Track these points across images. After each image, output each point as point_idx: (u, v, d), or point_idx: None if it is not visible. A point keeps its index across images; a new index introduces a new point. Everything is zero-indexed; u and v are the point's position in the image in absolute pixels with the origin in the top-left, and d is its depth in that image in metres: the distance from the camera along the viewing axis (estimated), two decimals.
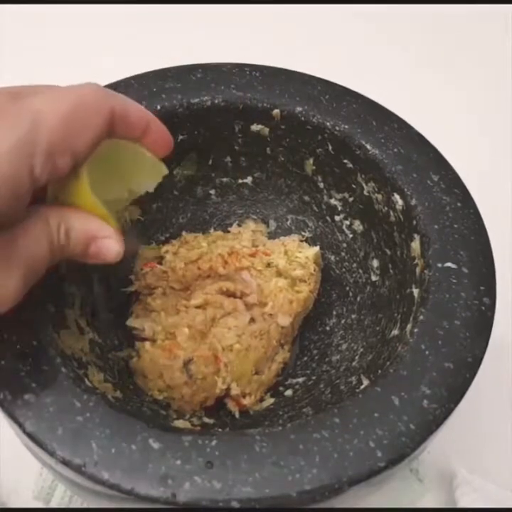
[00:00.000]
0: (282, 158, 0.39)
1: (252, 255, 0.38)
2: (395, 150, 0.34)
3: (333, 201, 0.39)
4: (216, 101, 0.36)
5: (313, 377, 0.36)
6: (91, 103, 0.24)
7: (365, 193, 0.37)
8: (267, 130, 0.38)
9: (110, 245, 0.25)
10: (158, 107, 0.35)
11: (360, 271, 0.39)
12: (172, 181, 0.39)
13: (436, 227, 0.31)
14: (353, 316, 0.38)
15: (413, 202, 0.32)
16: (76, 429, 0.24)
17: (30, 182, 0.22)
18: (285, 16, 0.66)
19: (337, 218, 0.40)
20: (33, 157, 0.22)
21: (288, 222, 0.42)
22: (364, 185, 0.36)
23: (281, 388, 0.36)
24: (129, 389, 0.34)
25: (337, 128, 0.36)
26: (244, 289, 0.36)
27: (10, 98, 0.22)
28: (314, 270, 0.38)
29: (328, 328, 0.39)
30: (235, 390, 0.34)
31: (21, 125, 0.21)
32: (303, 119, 0.36)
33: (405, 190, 0.33)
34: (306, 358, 0.38)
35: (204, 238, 0.39)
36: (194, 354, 0.34)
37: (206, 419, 0.34)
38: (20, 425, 0.24)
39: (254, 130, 0.38)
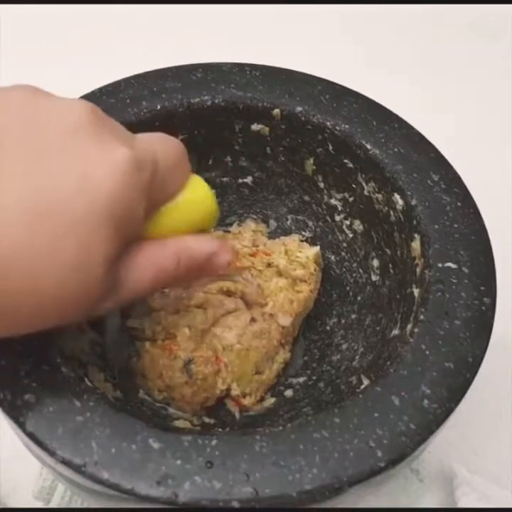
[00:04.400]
0: (282, 158, 0.39)
1: (253, 255, 0.38)
2: (395, 150, 0.34)
3: (333, 201, 0.39)
4: (216, 100, 0.36)
5: (314, 377, 0.36)
6: (184, 157, 0.26)
7: (365, 192, 0.37)
8: (267, 130, 0.38)
9: (223, 258, 0.27)
10: (158, 107, 0.35)
11: (361, 271, 0.39)
12: None
13: (436, 227, 0.31)
14: (353, 316, 0.38)
15: (413, 202, 0.32)
16: (76, 428, 0.24)
17: (137, 212, 0.23)
18: (285, 15, 0.66)
19: (337, 218, 0.40)
20: (145, 193, 0.23)
21: (288, 222, 0.42)
22: (364, 185, 0.36)
23: (281, 388, 0.36)
24: (129, 389, 0.34)
25: (337, 128, 0.36)
26: (244, 288, 0.36)
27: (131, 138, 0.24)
28: (315, 270, 0.38)
29: (328, 328, 0.39)
30: (235, 390, 0.34)
31: (147, 163, 0.23)
32: (303, 118, 0.36)
33: (405, 190, 0.33)
34: (306, 358, 0.38)
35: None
36: (194, 354, 0.34)
37: (206, 419, 0.34)
38: (20, 425, 0.24)
39: (255, 130, 0.38)
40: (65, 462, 0.23)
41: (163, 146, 0.25)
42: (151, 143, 0.24)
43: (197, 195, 0.27)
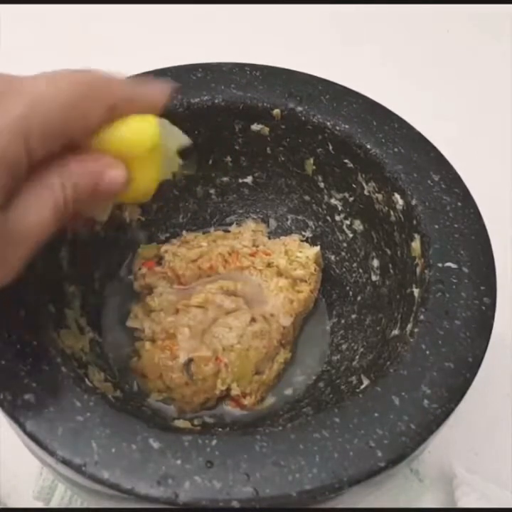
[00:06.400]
0: (282, 158, 0.39)
1: (253, 255, 0.38)
2: (395, 150, 0.34)
3: (333, 201, 0.39)
4: (216, 101, 0.36)
5: (314, 377, 0.36)
6: (92, 93, 0.24)
7: (365, 192, 0.37)
8: (267, 130, 0.38)
9: (115, 176, 0.25)
10: None
11: (361, 271, 0.39)
12: (172, 181, 0.39)
13: (436, 226, 0.31)
14: (353, 316, 0.38)
15: (413, 202, 0.32)
16: (76, 428, 0.24)
17: (25, 161, 0.22)
18: (285, 15, 0.66)
19: (337, 218, 0.40)
20: (27, 139, 0.22)
21: (288, 222, 0.42)
22: (364, 184, 0.36)
23: (281, 388, 0.36)
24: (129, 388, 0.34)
25: (337, 128, 0.35)
26: (244, 288, 0.36)
27: (9, 79, 0.22)
28: (315, 270, 0.38)
29: (328, 328, 0.39)
30: (235, 390, 0.34)
31: (18, 107, 0.22)
32: (303, 118, 0.36)
33: (406, 190, 0.33)
34: (306, 358, 0.38)
35: (204, 238, 0.39)
36: (194, 354, 0.34)
37: (206, 419, 0.34)
38: (21, 425, 0.24)
39: (255, 130, 0.38)
40: (65, 462, 0.23)
41: (52, 88, 0.23)
42: (43, 76, 0.23)
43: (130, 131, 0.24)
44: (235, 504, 0.23)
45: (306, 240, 0.41)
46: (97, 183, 0.24)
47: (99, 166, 0.25)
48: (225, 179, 0.41)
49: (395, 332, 0.32)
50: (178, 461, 0.23)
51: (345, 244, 0.40)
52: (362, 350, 0.35)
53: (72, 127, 0.23)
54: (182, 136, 0.27)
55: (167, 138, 0.25)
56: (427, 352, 0.27)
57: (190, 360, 0.34)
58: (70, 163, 0.24)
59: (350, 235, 0.39)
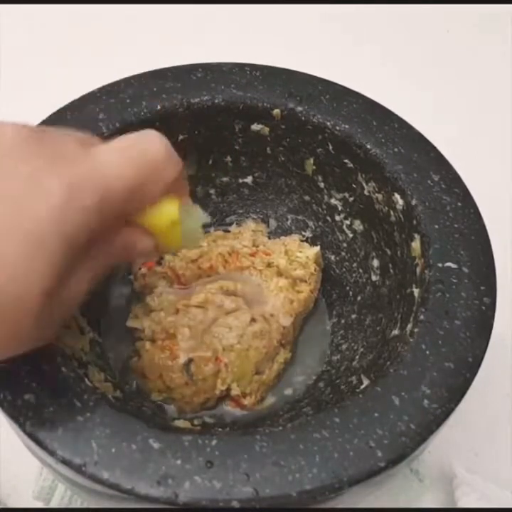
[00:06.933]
0: (282, 158, 0.39)
1: (253, 255, 0.38)
2: (395, 150, 0.34)
3: (333, 201, 0.39)
4: (216, 101, 0.36)
5: (314, 377, 0.36)
6: (155, 173, 0.24)
7: (365, 192, 0.37)
8: (267, 130, 0.38)
9: (145, 247, 0.27)
10: (158, 107, 0.35)
11: (361, 271, 0.39)
12: None
13: (436, 227, 0.31)
14: (353, 316, 0.38)
15: (413, 202, 0.32)
16: (76, 428, 0.24)
17: (85, 238, 0.23)
18: (285, 16, 0.66)
19: (337, 218, 0.40)
20: (91, 221, 0.22)
21: (288, 222, 0.42)
22: (364, 184, 0.36)
23: (281, 388, 0.36)
24: (129, 388, 0.34)
25: (337, 128, 0.36)
26: (244, 288, 0.36)
27: (80, 146, 0.23)
28: (315, 270, 0.38)
29: (328, 328, 0.39)
30: (235, 390, 0.34)
31: (89, 191, 0.22)
32: (303, 118, 0.36)
33: (406, 190, 0.33)
34: (306, 358, 0.38)
35: (204, 238, 0.39)
36: (194, 354, 0.34)
37: (206, 419, 0.34)
38: (21, 425, 0.24)
39: (255, 130, 0.38)
40: (65, 462, 0.23)
41: (127, 161, 0.24)
42: (112, 157, 0.23)
43: (160, 221, 0.27)
44: (235, 504, 0.23)
45: (306, 240, 0.41)
46: (130, 252, 0.27)
47: (135, 237, 0.26)
48: (225, 179, 0.41)
49: (395, 332, 0.32)
50: (178, 461, 0.23)
51: (345, 244, 0.40)
52: (362, 350, 0.35)
53: (130, 207, 0.25)
54: (202, 214, 0.30)
55: (188, 218, 0.28)
56: (427, 352, 0.27)
57: (190, 360, 0.34)
58: (115, 238, 0.25)
59: (350, 235, 0.39)
